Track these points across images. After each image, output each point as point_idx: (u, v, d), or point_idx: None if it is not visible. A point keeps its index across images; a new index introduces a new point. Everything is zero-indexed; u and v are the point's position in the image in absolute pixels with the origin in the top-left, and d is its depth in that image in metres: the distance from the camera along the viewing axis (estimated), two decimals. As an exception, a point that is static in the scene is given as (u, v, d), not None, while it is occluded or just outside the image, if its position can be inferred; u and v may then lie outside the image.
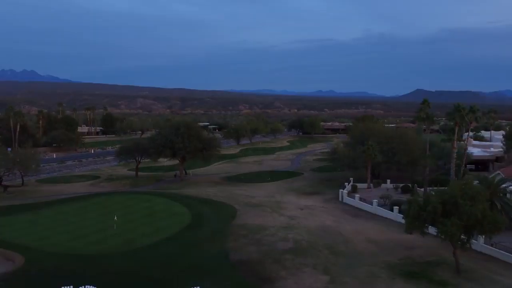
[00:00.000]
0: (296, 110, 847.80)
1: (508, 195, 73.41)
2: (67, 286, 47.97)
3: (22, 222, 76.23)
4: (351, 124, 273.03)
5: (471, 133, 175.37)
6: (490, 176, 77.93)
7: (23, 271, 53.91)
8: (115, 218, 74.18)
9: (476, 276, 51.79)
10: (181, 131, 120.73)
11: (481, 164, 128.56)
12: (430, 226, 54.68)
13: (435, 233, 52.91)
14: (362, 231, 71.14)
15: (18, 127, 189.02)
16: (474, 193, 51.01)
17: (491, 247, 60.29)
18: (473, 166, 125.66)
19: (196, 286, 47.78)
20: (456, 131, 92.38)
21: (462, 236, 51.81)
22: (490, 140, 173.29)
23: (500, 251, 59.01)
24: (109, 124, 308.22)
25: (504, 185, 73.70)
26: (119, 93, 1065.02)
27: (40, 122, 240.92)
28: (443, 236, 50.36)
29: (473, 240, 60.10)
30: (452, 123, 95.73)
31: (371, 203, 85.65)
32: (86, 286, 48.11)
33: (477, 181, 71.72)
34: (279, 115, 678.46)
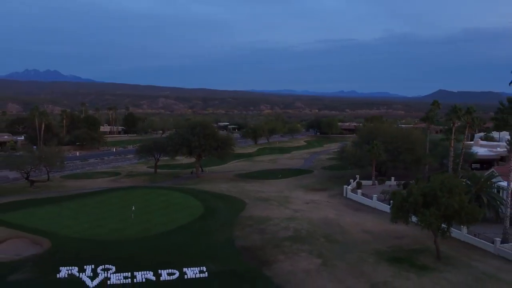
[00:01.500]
0: (317, 111, 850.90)
1: (501, 191, 78.92)
2: (88, 265, 54.81)
3: (48, 213, 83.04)
4: (360, 124, 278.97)
5: (481, 134, 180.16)
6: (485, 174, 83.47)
7: (50, 254, 60.59)
8: (133, 208, 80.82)
9: (454, 262, 57.35)
10: (197, 130, 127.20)
11: (487, 163, 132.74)
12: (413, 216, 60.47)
13: (416, 222, 58.75)
14: (360, 223, 76.87)
15: (43, 126, 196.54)
16: (452, 186, 56.63)
17: (473, 237, 65.77)
18: (478, 165, 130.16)
19: (203, 267, 54.30)
20: (453, 131, 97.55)
21: (442, 225, 57.72)
22: (499, 140, 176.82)
23: (481, 240, 64.46)
24: (130, 124, 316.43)
25: (494, 181, 79.42)
26: (141, 93, 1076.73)
27: (64, 121, 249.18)
28: (423, 225, 56.13)
29: (457, 231, 66.20)
30: (451, 123, 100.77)
31: (372, 198, 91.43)
32: (106, 266, 54.86)
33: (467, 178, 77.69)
34: (299, 115, 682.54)
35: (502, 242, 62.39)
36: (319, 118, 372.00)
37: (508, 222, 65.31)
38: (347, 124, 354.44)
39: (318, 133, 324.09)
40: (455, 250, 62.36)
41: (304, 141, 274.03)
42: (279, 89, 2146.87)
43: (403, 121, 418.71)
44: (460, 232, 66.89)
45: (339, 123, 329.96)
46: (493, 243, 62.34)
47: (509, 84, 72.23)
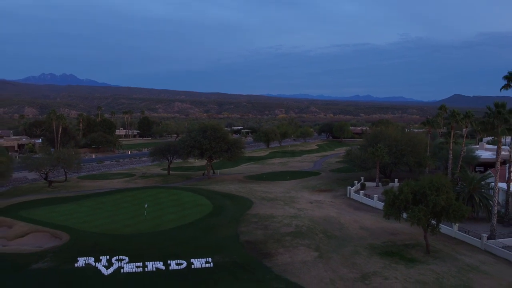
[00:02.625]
0: (332, 115, 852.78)
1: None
2: (104, 256, 59.85)
3: (66, 210, 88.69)
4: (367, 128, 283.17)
5: (490, 138, 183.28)
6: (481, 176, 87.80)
7: (68, 246, 65.85)
8: (146, 206, 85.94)
9: (442, 255, 61.75)
10: (208, 133, 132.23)
11: (490, 166, 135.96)
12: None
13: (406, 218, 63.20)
14: (359, 220, 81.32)
15: (60, 129, 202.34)
16: (439, 185, 61.07)
17: (463, 234, 70.11)
18: (482, 168, 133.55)
19: (208, 258, 59.16)
20: (452, 134, 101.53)
21: (432, 221, 62.29)
22: (505, 144, 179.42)
23: (470, 236, 68.76)
24: (145, 127, 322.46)
25: (489, 182, 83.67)
26: (156, 97, 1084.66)
27: (80, 124, 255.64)
28: (412, 220, 60.55)
29: (449, 228, 70.74)
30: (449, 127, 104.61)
31: (373, 198, 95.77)
32: (119, 257, 59.87)
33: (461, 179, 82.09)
34: (314, 119, 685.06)
35: (489, 238, 66.66)
36: (331, 122, 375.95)
37: (496, 219, 69.49)
38: (359, 128, 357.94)
39: (330, 137, 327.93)
40: (445, 245, 66.78)
41: (316, 145, 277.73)
42: (294, 94, 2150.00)
43: (416, 125, 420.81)
44: (451, 229, 71.34)
45: (351, 127, 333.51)
46: (480, 239, 66.67)
47: (500, 89, 76.64)
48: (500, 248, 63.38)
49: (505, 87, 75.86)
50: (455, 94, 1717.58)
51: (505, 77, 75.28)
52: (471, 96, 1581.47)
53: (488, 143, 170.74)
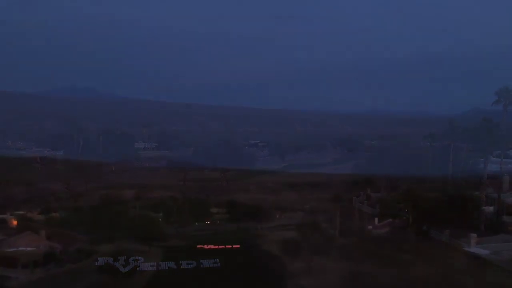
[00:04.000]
0: (350, 128, 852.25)
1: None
2: (121, 256, 65.78)
3: (86, 215, 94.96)
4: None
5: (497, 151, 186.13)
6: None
7: (89, 247, 71.85)
8: (160, 214, 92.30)
9: (431, 258, 66.84)
10: (221, 146, 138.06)
11: (494, 178, 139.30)
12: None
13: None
14: (360, 226, 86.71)
15: (81, 142, 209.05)
16: (429, 193, 66.61)
17: (454, 239, 74.99)
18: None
19: (216, 259, 64.94)
20: (452, 147, 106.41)
21: (424, 228, 67.77)
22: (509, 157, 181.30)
23: (459, 241, 73.77)
24: (164, 140, 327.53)
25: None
26: (176, 110, 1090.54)
27: (100, 137, 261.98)
28: (402, 225, 66.22)
29: (440, 233, 76.05)
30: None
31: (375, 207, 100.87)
32: (136, 257, 65.62)
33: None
34: (331, 132, 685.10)
35: (477, 243, 71.67)
36: (347, 136, 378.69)
37: (484, 226, 74.60)
38: (373, 142, 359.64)
39: (345, 150, 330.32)
40: (436, 249, 71.87)
41: (330, 158, 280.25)
42: (313, 107, 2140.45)
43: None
44: (443, 235, 76.38)
45: (366, 141, 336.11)
46: (468, 243, 71.78)
47: (492, 104, 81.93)
48: (486, 251, 68.39)
49: (497, 102, 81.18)
50: (475, 107, 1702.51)
51: (497, 93, 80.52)
52: (490, 109, 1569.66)
53: (494, 156, 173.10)
